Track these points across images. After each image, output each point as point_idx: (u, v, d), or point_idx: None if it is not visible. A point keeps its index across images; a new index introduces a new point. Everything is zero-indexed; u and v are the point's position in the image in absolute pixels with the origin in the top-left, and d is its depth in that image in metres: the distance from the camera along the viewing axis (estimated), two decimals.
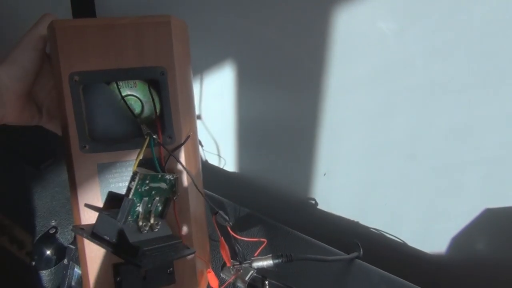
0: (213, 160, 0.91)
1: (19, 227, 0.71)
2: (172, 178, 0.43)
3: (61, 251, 0.69)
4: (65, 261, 0.68)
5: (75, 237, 0.69)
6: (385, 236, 0.78)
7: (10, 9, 0.95)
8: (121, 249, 0.37)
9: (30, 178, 0.77)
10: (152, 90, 0.47)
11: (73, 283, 0.68)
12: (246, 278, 0.59)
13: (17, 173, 0.79)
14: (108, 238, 0.38)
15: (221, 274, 0.60)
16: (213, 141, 0.89)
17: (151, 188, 0.41)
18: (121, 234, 0.38)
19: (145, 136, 0.43)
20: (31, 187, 0.75)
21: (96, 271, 0.44)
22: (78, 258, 0.67)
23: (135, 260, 0.36)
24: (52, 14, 0.46)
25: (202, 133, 0.87)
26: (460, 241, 0.71)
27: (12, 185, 0.77)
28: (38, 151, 0.82)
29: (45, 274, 0.69)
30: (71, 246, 0.68)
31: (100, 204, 0.43)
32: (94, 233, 0.39)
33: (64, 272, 0.68)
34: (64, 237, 0.70)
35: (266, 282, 0.58)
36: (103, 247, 0.38)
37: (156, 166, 0.43)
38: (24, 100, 0.44)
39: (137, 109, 0.47)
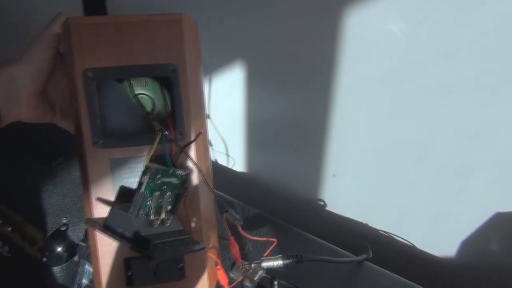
0: (222, 160, 0.91)
1: (30, 223, 0.72)
2: (183, 173, 0.43)
3: (72, 248, 0.70)
4: (76, 258, 0.69)
5: (85, 234, 0.70)
6: (394, 238, 0.77)
7: (23, 7, 0.97)
8: (133, 242, 0.38)
9: (42, 175, 0.78)
10: (163, 89, 0.47)
11: (83, 280, 0.69)
12: (255, 278, 0.59)
13: (29, 170, 0.80)
14: (120, 231, 0.39)
15: (230, 274, 0.60)
16: (222, 141, 0.89)
17: (163, 183, 0.41)
18: (133, 227, 0.38)
19: (157, 133, 0.44)
20: (42, 184, 0.76)
21: (108, 265, 0.45)
22: (89, 255, 0.68)
23: (147, 252, 0.36)
24: (66, 13, 0.47)
25: (211, 133, 0.88)
26: (469, 244, 0.71)
27: (24, 182, 0.78)
28: (50, 149, 0.84)
29: (56, 271, 0.69)
30: (81, 243, 0.69)
31: (112, 198, 0.44)
32: (106, 226, 0.39)
33: (75, 269, 0.69)
34: (75, 234, 0.71)
35: (275, 283, 0.58)
36: (115, 239, 0.38)
37: (168, 162, 0.44)
38: (39, 98, 0.45)
39: (148, 107, 0.48)
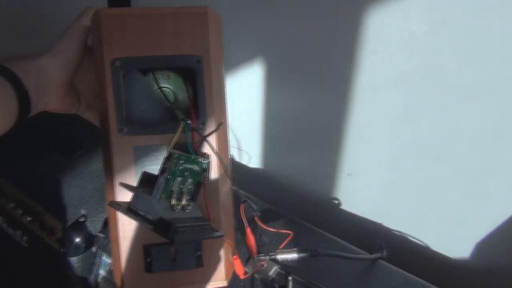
0: (237, 156, 0.92)
1: (49, 214, 0.74)
2: (204, 161, 0.44)
3: (89, 239, 0.71)
4: (94, 249, 0.70)
5: (103, 226, 0.71)
6: (408, 238, 0.77)
7: (52, 2, 1.00)
8: (155, 224, 0.39)
9: (62, 167, 0.79)
10: (186, 83, 0.49)
11: (100, 271, 0.70)
12: (270, 273, 0.59)
13: (49, 161, 0.81)
14: (143, 214, 0.40)
15: (245, 268, 0.61)
16: (238, 138, 0.90)
17: (185, 169, 0.42)
18: (155, 210, 0.39)
19: (180, 121, 0.45)
20: (62, 176, 0.78)
21: (127, 251, 0.46)
22: (106, 246, 0.69)
23: (168, 235, 0.37)
24: (94, 7, 0.49)
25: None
26: (485, 247, 0.70)
27: (44, 173, 0.79)
28: (71, 141, 0.85)
29: (73, 261, 0.71)
30: (99, 234, 0.70)
31: (134, 184, 0.45)
32: (130, 209, 0.40)
33: (92, 259, 0.70)
34: (93, 226, 0.72)
35: (290, 278, 0.59)
36: (138, 221, 0.39)
37: (190, 150, 0.45)
38: (67, 89, 0.47)
39: (170, 99, 0.49)
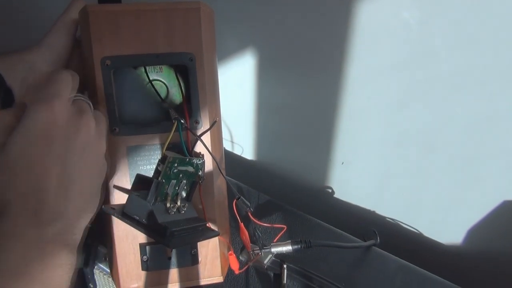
0: (230, 147, 0.92)
1: None
2: (199, 162, 0.44)
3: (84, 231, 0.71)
4: (89, 240, 0.70)
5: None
6: (401, 226, 0.78)
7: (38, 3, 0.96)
8: (151, 229, 0.39)
9: None
10: (178, 75, 0.48)
11: (96, 261, 0.70)
12: (265, 262, 0.60)
13: None
14: (138, 218, 0.40)
15: (240, 257, 0.61)
16: (230, 128, 0.90)
17: (179, 171, 0.42)
18: (150, 215, 0.39)
19: (173, 121, 0.44)
20: None
21: (124, 250, 0.46)
22: (102, 239, 0.69)
23: (164, 240, 0.37)
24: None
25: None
26: (476, 233, 0.71)
27: None
28: None
29: None
30: (94, 226, 0.70)
31: (128, 185, 0.45)
32: (124, 213, 0.40)
33: (87, 250, 0.70)
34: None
35: (285, 266, 0.59)
36: (133, 226, 0.39)
37: (184, 150, 0.44)
38: None
39: (162, 93, 0.48)
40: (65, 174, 0.35)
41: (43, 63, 0.44)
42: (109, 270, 0.53)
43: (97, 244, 0.69)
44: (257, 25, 0.74)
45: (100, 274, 0.70)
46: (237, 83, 0.82)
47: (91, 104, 0.40)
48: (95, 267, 0.70)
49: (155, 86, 0.47)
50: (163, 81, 0.48)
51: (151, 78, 0.47)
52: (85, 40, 0.44)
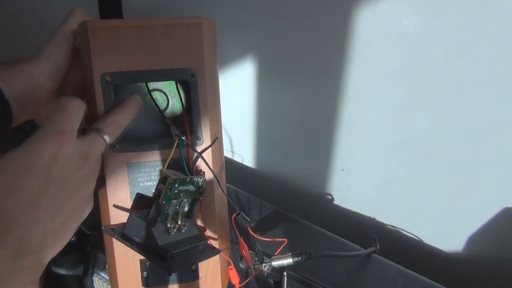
0: (230, 155, 0.91)
1: None
2: (200, 180, 0.43)
3: (84, 238, 0.71)
4: (88, 247, 0.70)
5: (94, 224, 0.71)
6: (401, 233, 0.78)
7: (38, 6, 0.95)
8: (151, 252, 0.38)
9: None
10: (179, 87, 0.47)
11: (96, 269, 0.70)
12: (265, 269, 0.60)
13: None
14: (138, 240, 0.39)
15: (240, 265, 0.61)
16: (231, 135, 0.89)
17: (180, 191, 0.41)
18: (150, 237, 0.39)
19: (174, 138, 0.44)
20: None
21: (124, 266, 0.46)
22: (102, 246, 0.69)
23: (164, 264, 0.37)
24: (80, 7, 0.46)
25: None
26: (477, 239, 0.71)
27: None
28: None
29: (68, 259, 0.71)
30: (94, 233, 0.70)
31: (128, 202, 0.44)
32: (124, 235, 0.40)
33: (87, 257, 0.70)
34: (87, 225, 0.71)
35: (285, 274, 0.59)
36: (133, 249, 0.39)
37: (184, 167, 0.44)
38: (54, 97, 0.45)
39: (163, 103, 0.48)
40: (48, 215, 0.34)
41: (42, 76, 0.43)
42: (108, 278, 0.53)
43: (96, 251, 0.69)
44: (257, 32, 0.73)
45: (99, 281, 0.70)
46: (237, 90, 0.81)
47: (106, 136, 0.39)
48: (95, 274, 0.70)
49: (154, 95, 0.47)
50: (164, 91, 0.48)
51: (151, 88, 0.47)
52: (85, 55, 0.43)
